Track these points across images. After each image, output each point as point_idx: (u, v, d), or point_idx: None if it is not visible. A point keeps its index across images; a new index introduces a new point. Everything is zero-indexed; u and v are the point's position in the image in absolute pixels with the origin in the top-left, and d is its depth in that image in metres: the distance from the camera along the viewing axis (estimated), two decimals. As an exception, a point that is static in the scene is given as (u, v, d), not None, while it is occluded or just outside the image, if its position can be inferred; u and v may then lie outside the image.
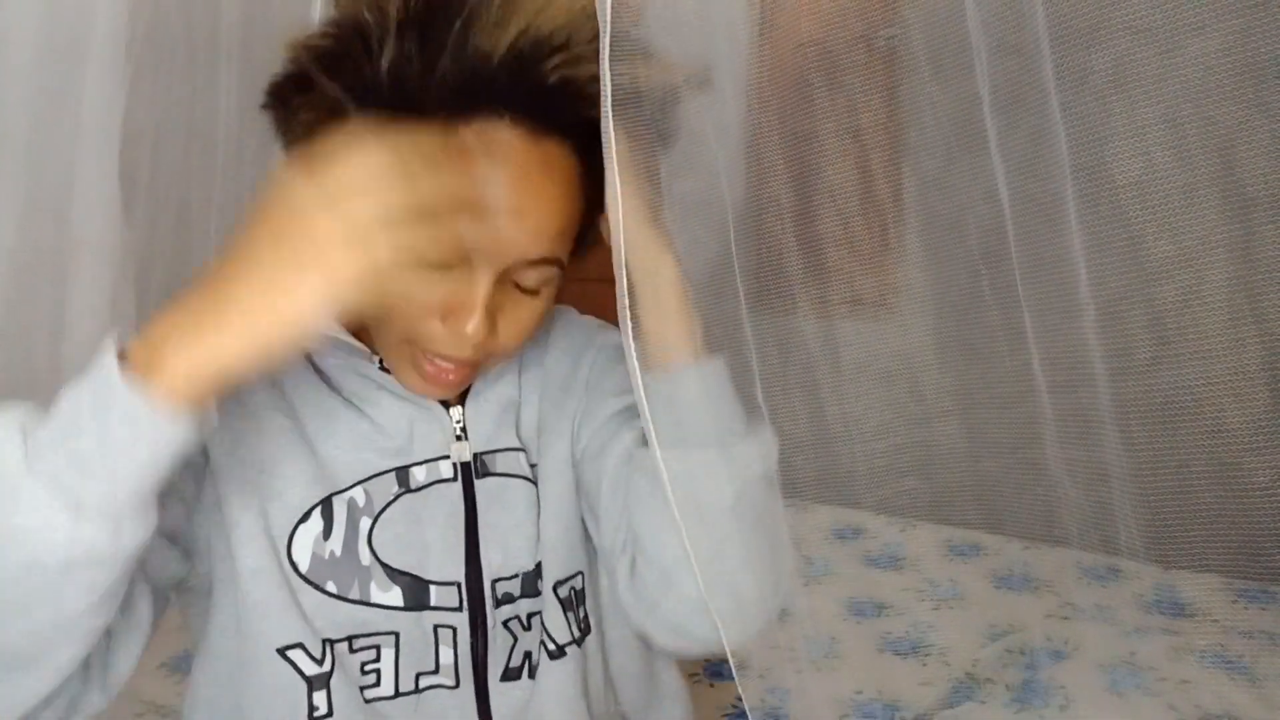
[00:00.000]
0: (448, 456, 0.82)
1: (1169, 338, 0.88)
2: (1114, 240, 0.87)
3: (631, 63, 0.69)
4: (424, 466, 0.81)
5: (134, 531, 0.58)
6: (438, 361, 0.75)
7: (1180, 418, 0.87)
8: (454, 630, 0.79)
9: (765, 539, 0.76)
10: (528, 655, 0.82)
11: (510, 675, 0.81)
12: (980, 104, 0.87)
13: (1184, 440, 0.87)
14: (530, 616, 0.82)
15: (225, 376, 0.56)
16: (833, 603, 1.93)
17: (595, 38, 0.67)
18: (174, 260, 1.43)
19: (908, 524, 2.21)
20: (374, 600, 0.77)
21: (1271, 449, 0.80)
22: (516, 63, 0.69)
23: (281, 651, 0.75)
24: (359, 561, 0.77)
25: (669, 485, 0.72)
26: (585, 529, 0.86)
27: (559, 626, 0.82)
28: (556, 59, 0.70)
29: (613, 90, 0.66)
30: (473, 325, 0.71)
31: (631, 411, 0.82)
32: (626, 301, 0.72)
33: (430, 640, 0.79)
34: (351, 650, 0.77)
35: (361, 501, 0.78)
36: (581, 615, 0.84)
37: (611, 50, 0.66)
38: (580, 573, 0.85)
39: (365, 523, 0.78)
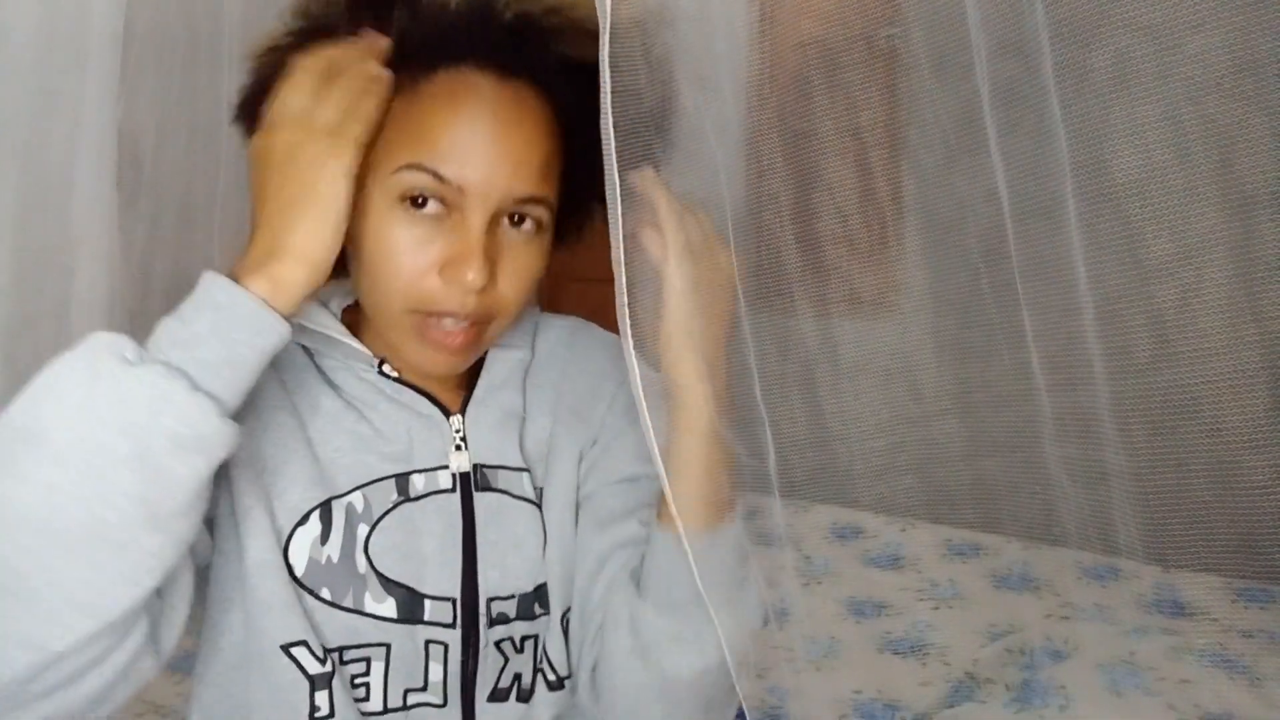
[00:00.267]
0: (447, 466, 0.81)
1: (1168, 337, 0.88)
2: (1113, 239, 0.87)
3: (631, 61, 0.70)
4: (423, 475, 0.80)
5: (229, 430, 0.65)
6: (444, 324, 0.75)
7: (1180, 417, 0.87)
8: (445, 647, 0.79)
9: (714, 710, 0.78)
10: (518, 677, 0.81)
11: (498, 696, 0.80)
12: (980, 102, 0.87)
13: (1183, 439, 0.87)
14: (524, 639, 0.81)
15: (295, 292, 0.68)
16: (832, 603, 1.93)
17: None
18: (177, 256, 1.43)
19: (907, 524, 2.21)
20: (367, 610, 0.77)
21: (1271, 448, 0.80)
22: (471, 9, 0.73)
23: (285, 648, 0.74)
24: (355, 569, 0.77)
25: (655, 643, 0.75)
26: None
27: (561, 659, 0.82)
28: None
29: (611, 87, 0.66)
30: (473, 271, 0.71)
31: (643, 488, 0.83)
32: (627, 313, 0.71)
33: (421, 656, 0.78)
34: (342, 662, 0.76)
35: (360, 507, 0.78)
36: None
37: (611, 49, 0.66)
38: None
39: (363, 529, 0.78)
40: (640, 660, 0.75)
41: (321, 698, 0.74)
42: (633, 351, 0.71)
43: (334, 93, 0.71)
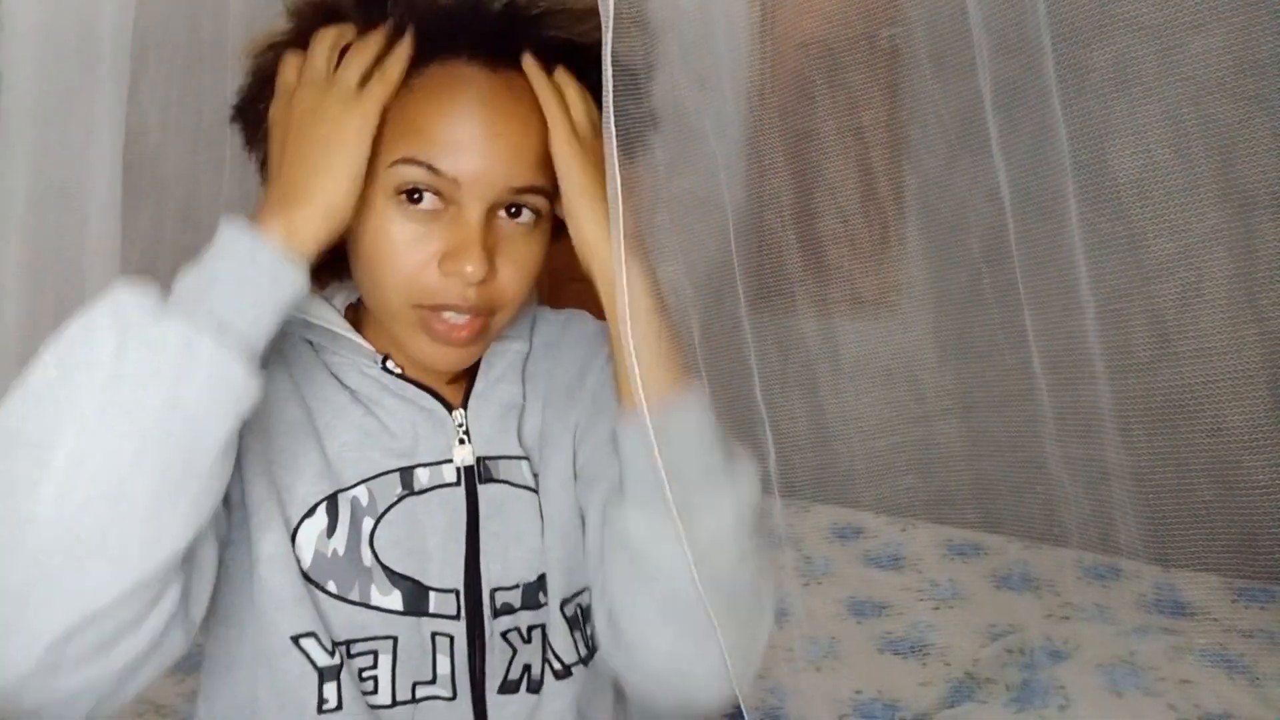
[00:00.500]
0: (451, 460, 0.81)
1: (1169, 336, 0.88)
2: (1114, 238, 0.87)
3: (633, 60, 0.70)
4: (428, 469, 0.80)
5: (255, 383, 0.65)
6: (446, 317, 0.74)
7: (1180, 416, 0.87)
8: (451, 639, 0.78)
9: (736, 596, 0.74)
10: (527, 668, 0.81)
11: (508, 688, 0.80)
12: (982, 102, 0.87)
13: (1184, 439, 0.87)
14: (531, 629, 0.81)
15: (311, 237, 0.69)
16: (832, 603, 1.93)
17: None
18: (181, 257, 1.44)
19: (908, 524, 2.21)
20: (374, 603, 0.77)
21: (1272, 447, 0.80)
22: (461, 1, 0.74)
23: (295, 640, 0.74)
24: (361, 563, 0.77)
25: (640, 544, 0.72)
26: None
27: (565, 646, 0.81)
28: None
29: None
30: (472, 263, 0.71)
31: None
32: (628, 313, 0.69)
33: (428, 648, 0.78)
34: (350, 655, 0.76)
35: (365, 500, 0.78)
36: (589, 632, 0.83)
37: (613, 48, 0.66)
38: (587, 589, 0.83)
39: (368, 523, 0.78)
40: (634, 570, 0.74)
41: (330, 690, 0.74)
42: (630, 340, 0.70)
43: (354, 56, 0.72)
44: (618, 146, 0.66)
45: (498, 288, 0.75)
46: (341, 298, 0.86)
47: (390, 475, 0.79)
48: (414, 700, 0.77)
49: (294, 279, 0.69)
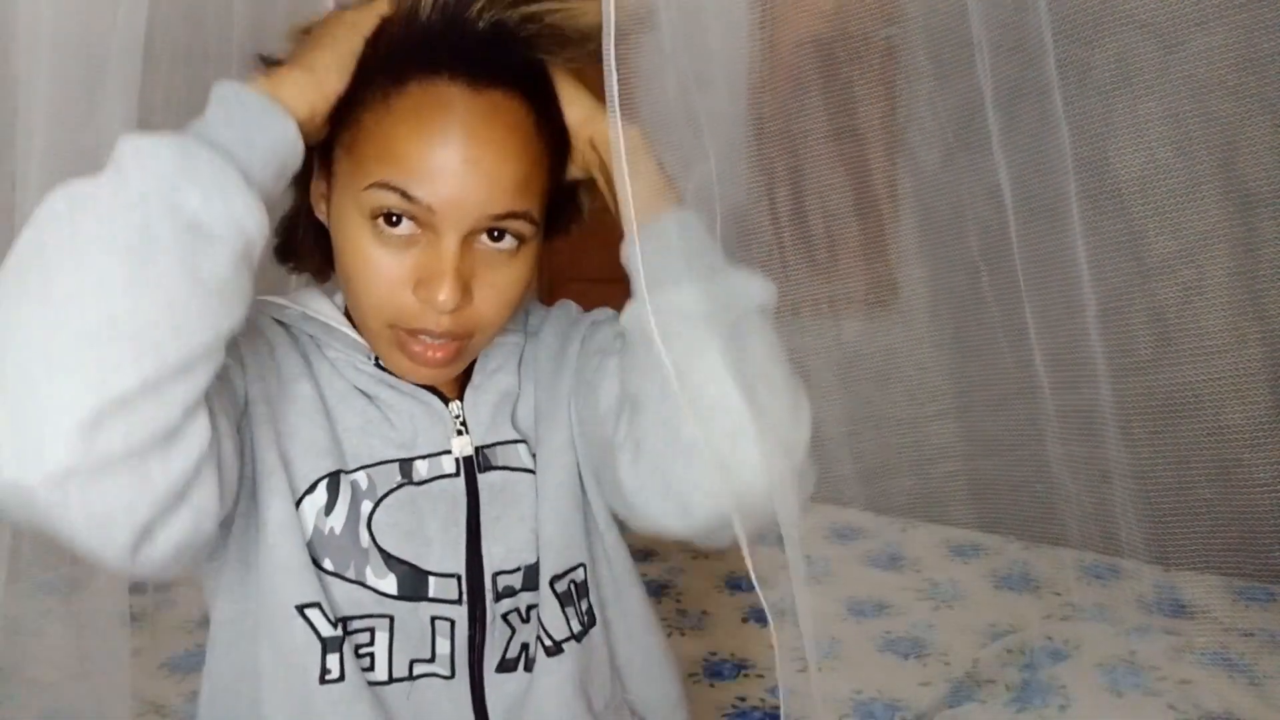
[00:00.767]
0: (449, 451, 0.82)
1: (1170, 335, 0.88)
2: (1115, 237, 0.87)
3: (635, 61, 0.69)
4: (426, 461, 0.81)
5: (255, 204, 0.66)
6: (422, 338, 0.74)
7: (1181, 415, 0.87)
8: (452, 623, 0.79)
9: (777, 366, 0.75)
10: (525, 647, 0.81)
11: (506, 666, 0.80)
12: (982, 100, 0.87)
13: (1185, 438, 0.87)
14: (529, 609, 0.82)
15: (298, 95, 0.71)
16: (833, 603, 1.93)
17: None
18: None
19: (908, 524, 2.21)
20: (369, 583, 0.77)
21: (1272, 446, 0.80)
22: (443, 18, 0.73)
23: (300, 609, 0.74)
24: (358, 543, 0.77)
25: (659, 332, 0.70)
26: (586, 519, 0.85)
27: (556, 622, 0.81)
28: (480, 4, 0.72)
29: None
30: (444, 292, 0.70)
31: (615, 345, 0.82)
32: (649, 306, 0.70)
33: (427, 630, 0.78)
34: (347, 631, 0.76)
35: (364, 485, 0.78)
36: (584, 608, 0.83)
37: (616, 49, 0.66)
38: (581, 564, 0.84)
39: (366, 505, 0.78)
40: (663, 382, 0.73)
41: (333, 660, 0.75)
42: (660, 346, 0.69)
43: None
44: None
45: (474, 313, 0.74)
46: (340, 296, 0.86)
47: (389, 465, 0.80)
48: (411, 678, 0.78)
49: (281, 122, 0.69)
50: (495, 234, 0.74)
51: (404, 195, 0.70)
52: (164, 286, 0.61)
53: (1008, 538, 2.04)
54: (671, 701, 0.91)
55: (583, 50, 0.74)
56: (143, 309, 0.60)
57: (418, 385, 0.82)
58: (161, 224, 0.61)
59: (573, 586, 0.83)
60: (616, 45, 0.65)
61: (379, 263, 0.73)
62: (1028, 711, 1.52)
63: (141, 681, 1.58)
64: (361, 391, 0.81)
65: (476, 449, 0.83)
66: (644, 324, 0.71)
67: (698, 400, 0.71)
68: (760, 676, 1.64)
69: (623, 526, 0.87)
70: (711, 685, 1.63)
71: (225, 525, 0.75)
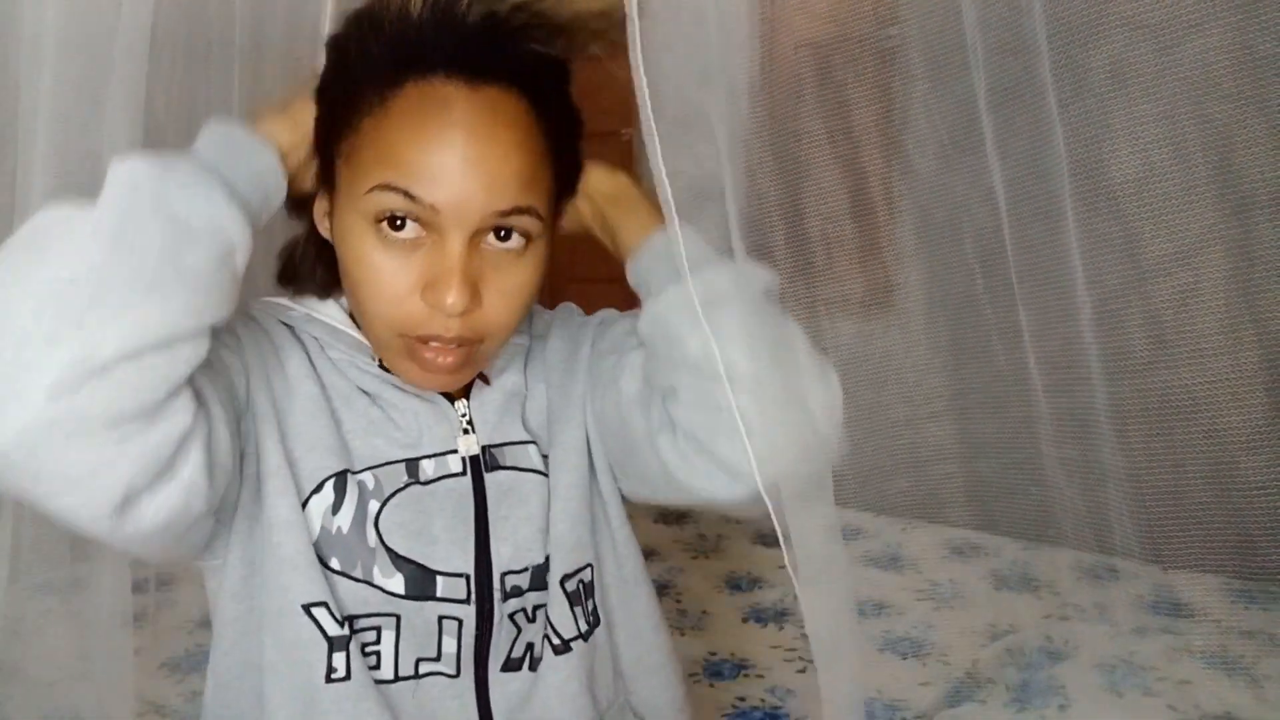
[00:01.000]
0: (455, 450, 0.81)
1: (1166, 337, 0.88)
2: (1111, 239, 0.87)
3: (660, 62, 0.70)
4: (433, 460, 0.80)
5: (239, 216, 0.68)
6: (432, 346, 0.73)
7: (1177, 418, 0.87)
8: (460, 622, 0.79)
9: (799, 338, 0.77)
10: (530, 647, 0.81)
11: (511, 666, 0.80)
12: (978, 102, 0.87)
13: (1180, 440, 0.87)
14: (536, 609, 0.82)
15: (278, 131, 0.75)
16: (832, 602, 1.93)
17: None
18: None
19: (907, 524, 2.21)
20: (376, 583, 0.77)
21: (1268, 449, 0.80)
22: (434, 16, 0.72)
23: (307, 608, 0.74)
24: (365, 542, 0.77)
25: (685, 322, 0.74)
26: (596, 519, 0.85)
27: (565, 621, 0.82)
28: None
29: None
30: (452, 295, 0.70)
31: (628, 343, 0.84)
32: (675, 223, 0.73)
33: (434, 630, 0.78)
34: (354, 630, 0.76)
35: (371, 485, 0.78)
36: (590, 608, 0.84)
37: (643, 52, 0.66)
38: (589, 564, 0.84)
39: (374, 505, 0.78)
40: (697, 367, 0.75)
41: (339, 659, 0.75)
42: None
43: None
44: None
45: (483, 317, 0.73)
46: (345, 299, 0.86)
47: (396, 465, 0.79)
48: (417, 676, 0.78)
49: (261, 150, 0.73)
50: (502, 234, 0.73)
51: (407, 195, 0.70)
52: (146, 261, 0.62)
53: (1007, 538, 2.04)
54: (675, 704, 0.90)
55: (575, 38, 0.74)
56: (123, 275, 0.61)
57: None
58: (145, 210, 0.64)
59: (581, 586, 0.83)
60: (629, 47, 0.65)
61: (384, 269, 0.72)
62: (1027, 711, 1.52)
63: (142, 681, 1.59)
64: (364, 392, 0.81)
65: (483, 448, 0.82)
66: (673, 317, 0.75)
67: (735, 376, 0.72)
68: (760, 676, 1.64)
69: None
70: (711, 685, 1.63)
71: (225, 520, 0.76)
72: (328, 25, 1.21)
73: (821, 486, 0.75)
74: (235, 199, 0.68)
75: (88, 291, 0.60)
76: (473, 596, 0.79)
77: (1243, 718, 1.44)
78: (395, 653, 0.77)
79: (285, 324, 0.82)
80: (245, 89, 1.40)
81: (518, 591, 0.81)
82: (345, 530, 0.77)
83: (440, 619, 0.78)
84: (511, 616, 0.81)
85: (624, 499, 0.88)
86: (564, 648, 0.81)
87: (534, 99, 0.74)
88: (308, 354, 0.81)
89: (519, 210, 0.72)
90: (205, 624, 0.82)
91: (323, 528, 0.76)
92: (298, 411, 0.78)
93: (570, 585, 0.82)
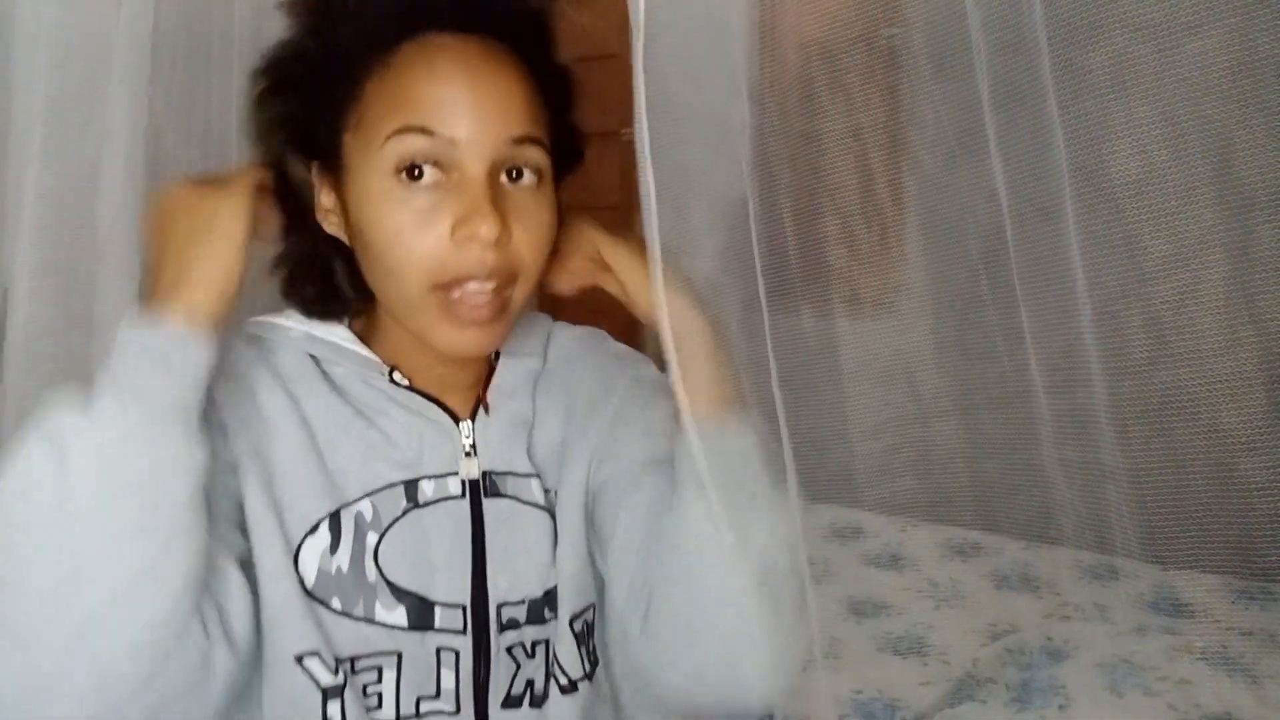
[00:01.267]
0: (456, 473, 0.81)
1: (1166, 337, 0.88)
2: (1111, 239, 0.87)
3: (662, 63, 0.70)
4: (433, 482, 0.80)
5: (197, 445, 0.68)
6: (470, 289, 0.73)
7: (1177, 417, 0.87)
8: (456, 654, 0.78)
9: (783, 605, 0.77)
10: (530, 684, 0.80)
11: (511, 703, 0.79)
12: (980, 103, 0.87)
13: (1181, 440, 0.87)
14: (535, 645, 0.81)
15: (206, 314, 0.71)
16: (833, 603, 1.93)
17: None
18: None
19: (907, 524, 2.21)
20: (378, 618, 0.76)
21: (1268, 448, 0.80)
22: None
23: (299, 659, 0.74)
24: (365, 579, 0.76)
25: (695, 544, 0.74)
26: (592, 558, 0.84)
27: (572, 661, 0.81)
28: None
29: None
30: (485, 223, 0.70)
31: (658, 461, 0.82)
32: (673, 347, 0.72)
33: (432, 663, 0.78)
34: (354, 671, 0.76)
35: (369, 515, 0.77)
36: (591, 647, 0.83)
37: (645, 52, 0.66)
38: (592, 604, 0.83)
39: (372, 538, 0.77)
40: (687, 568, 0.76)
41: (334, 708, 0.74)
42: (683, 397, 0.71)
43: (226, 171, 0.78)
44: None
45: (515, 252, 0.73)
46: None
47: (395, 488, 0.78)
48: (418, 715, 0.77)
49: (202, 349, 0.70)
50: (514, 174, 0.74)
51: (424, 132, 0.71)
52: (120, 576, 0.65)
53: (1007, 538, 2.04)
54: None
55: None
56: (120, 601, 0.65)
57: (430, 401, 0.81)
58: (107, 515, 0.65)
59: (585, 626, 0.83)
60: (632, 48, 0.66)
61: (411, 221, 0.72)
62: (1027, 711, 1.52)
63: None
64: (363, 414, 0.79)
65: (484, 473, 0.81)
66: (684, 536, 0.76)
67: (716, 608, 0.75)
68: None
69: None
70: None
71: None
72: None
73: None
74: (186, 428, 0.69)
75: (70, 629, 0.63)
76: (469, 628, 0.78)
77: (1243, 718, 1.44)
78: (396, 692, 0.77)
79: (268, 353, 0.81)
80: (245, 89, 1.41)
81: (514, 624, 0.80)
82: (345, 569, 0.76)
83: (438, 650, 0.78)
84: (510, 651, 0.80)
85: None
86: (571, 687, 0.81)
87: (521, 51, 0.76)
88: (288, 390, 0.79)
89: (530, 139, 0.74)
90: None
91: (320, 569, 0.76)
92: (281, 455, 0.77)
93: (578, 625, 0.82)
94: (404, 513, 0.78)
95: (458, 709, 0.78)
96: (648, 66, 0.66)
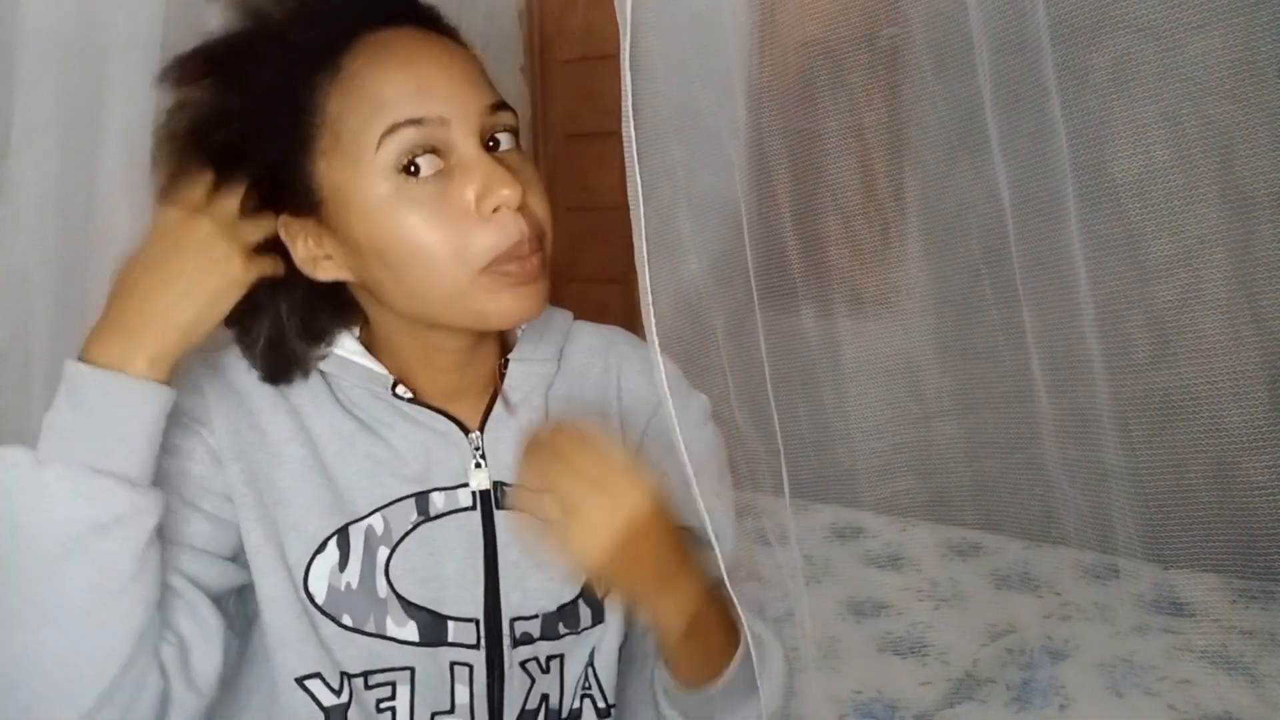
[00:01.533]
0: (467, 484, 0.79)
1: (1168, 337, 0.88)
2: (1113, 239, 0.87)
3: (651, 62, 0.69)
4: (443, 494, 0.78)
5: (145, 493, 0.66)
6: (513, 259, 0.71)
7: (1179, 417, 0.87)
8: (470, 668, 0.78)
9: None
10: (545, 698, 0.80)
11: (527, 717, 0.79)
12: (982, 102, 0.87)
13: (1183, 440, 0.87)
14: (550, 659, 0.80)
15: (172, 362, 0.68)
16: (833, 603, 1.93)
17: None
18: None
19: (907, 524, 2.21)
20: (390, 634, 0.76)
21: (1270, 448, 0.80)
22: None
23: (300, 681, 0.74)
24: (376, 594, 0.76)
25: None
26: None
27: (611, 681, 0.82)
28: None
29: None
30: (508, 188, 0.69)
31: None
32: (652, 313, 0.70)
33: (446, 678, 0.77)
34: (367, 687, 0.76)
35: (380, 529, 0.77)
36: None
37: (631, 51, 0.66)
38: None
39: (383, 552, 0.76)
40: None
41: None
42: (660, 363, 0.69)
43: (230, 195, 0.72)
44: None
45: (533, 214, 0.72)
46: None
47: (405, 501, 0.77)
48: None
49: (157, 407, 0.68)
50: (492, 142, 0.73)
51: (415, 123, 0.69)
52: (83, 624, 0.66)
53: (1007, 537, 2.04)
54: None
55: None
56: (70, 659, 0.66)
57: (437, 413, 0.80)
58: (69, 570, 0.65)
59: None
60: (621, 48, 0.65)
61: (430, 215, 0.70)
62: (1028, 711, 1.52)
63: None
64: (369, 429, 0.78)
65: (495, 484, 0.80)
66: None
67: None
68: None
69: None
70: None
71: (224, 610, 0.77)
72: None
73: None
74: (140, 481, 0.67)
75: (43, 683, 0.65)
76: (482, 642, 0.78)
77: (1243, 718, 1.44)
78: (410, 707, 0.76)
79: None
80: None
81: (528, 639, 0.79)
82: (355, 586, 0.75)
83: (451, 665, 0.77)
84: (524, 665, 0.79)
85: None
86: (606, 712, 0.82)
87: (443, 31, 0.76)
88: (291, 406, 0.78)
89: (501, 104, 0.73)
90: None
91: (330, 586, 0.75)
92: (286, 477, 0.76)
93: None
94: (414, 526, 0.77)
95: None
96: (639, 66, 0.66)
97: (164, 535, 0.69)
